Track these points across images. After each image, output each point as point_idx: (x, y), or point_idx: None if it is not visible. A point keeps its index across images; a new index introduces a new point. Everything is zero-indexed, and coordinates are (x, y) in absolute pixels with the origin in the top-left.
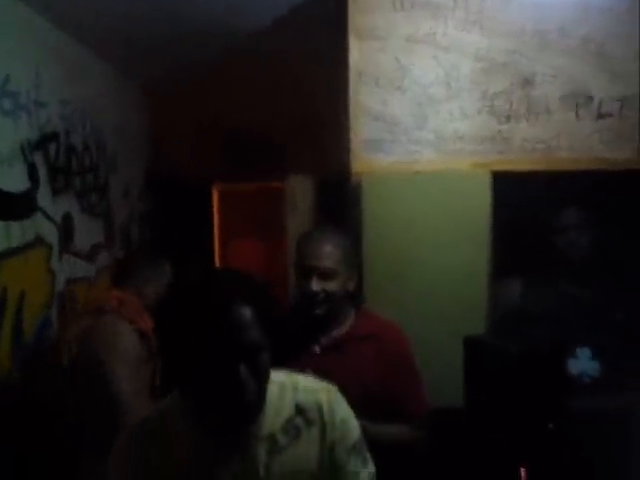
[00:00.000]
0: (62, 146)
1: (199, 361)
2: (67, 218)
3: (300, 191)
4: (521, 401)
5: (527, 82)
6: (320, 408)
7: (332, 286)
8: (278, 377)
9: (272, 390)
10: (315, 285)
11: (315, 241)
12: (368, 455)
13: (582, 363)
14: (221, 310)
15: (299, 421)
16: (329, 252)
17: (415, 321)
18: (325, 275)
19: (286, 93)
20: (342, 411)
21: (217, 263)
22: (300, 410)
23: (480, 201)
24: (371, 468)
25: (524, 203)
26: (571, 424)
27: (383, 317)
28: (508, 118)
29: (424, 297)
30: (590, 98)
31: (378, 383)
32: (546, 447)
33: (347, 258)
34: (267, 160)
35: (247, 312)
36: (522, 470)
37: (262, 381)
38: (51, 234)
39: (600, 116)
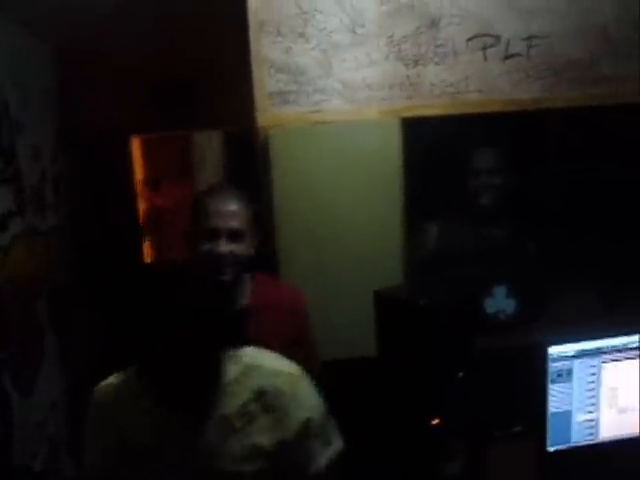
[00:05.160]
0: None
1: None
2: None
3: (208, 147)
4: (431, 352)
5: (433, 24)
6: (281, 395)
7: (241, 249)
8: (244, 356)
9: (234, 371)
10: (223, 247)
11: (221, 200)
12: (332, 433)
13: (498, 301)
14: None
15: (255, 407)
16: (237, 211)
17: (330, 276)
18: (234, 236)
19: (187, 45)
20: (304, 398)
21: (139, 213)
22: (260, 394)
23: (390, 149)
24: (335, 447)
25: (435, 149)
26: (482, 367)
27: (283, 283)
28: (415, 63)
29: (338, 251)
30: (497, 38)
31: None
32: (456, 396)
33: (253, 218)
34: (183, 108)
35: None
36: (433, 421)
37: None
38: None
39: (508, 56)
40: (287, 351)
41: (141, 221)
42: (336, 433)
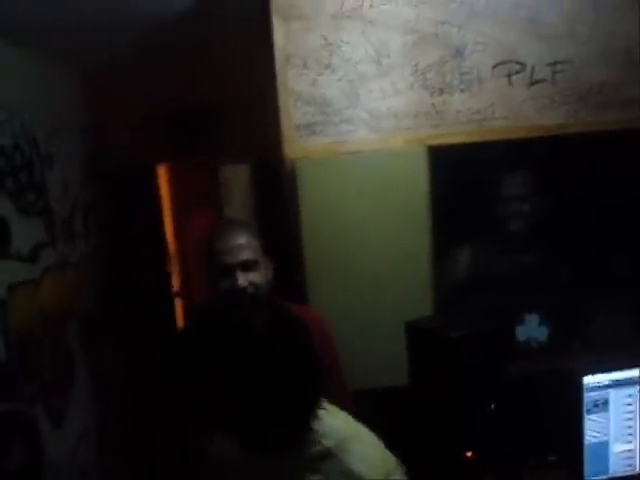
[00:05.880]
0: None
1: None
2: (0, 221)
3: (235, 181)
4: (462, 384)
5: (458, 52)
6: None
7: (256, 278)
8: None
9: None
10: (241, 279)
11: (229, 236)
12: None
13: (530, 329)
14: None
15: None
16: (247, 243)
17: (358, 306)
18: (247, 267)
19: (214, 78)
20: None
21: (169, 240)
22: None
23: (417, 177)
24: None
25: (462, 176)
26: (515, 396)
27: (307, 308)
28: (441, 91)
29: (365, 281)
30: (522, 65)
31: None
32: (489, 428)
33: (262, 246)
34: (209, 141)
35: None
36: (467, 454)
37: None
38: None
39: (533, 83)
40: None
41: (170, 251)
42: None
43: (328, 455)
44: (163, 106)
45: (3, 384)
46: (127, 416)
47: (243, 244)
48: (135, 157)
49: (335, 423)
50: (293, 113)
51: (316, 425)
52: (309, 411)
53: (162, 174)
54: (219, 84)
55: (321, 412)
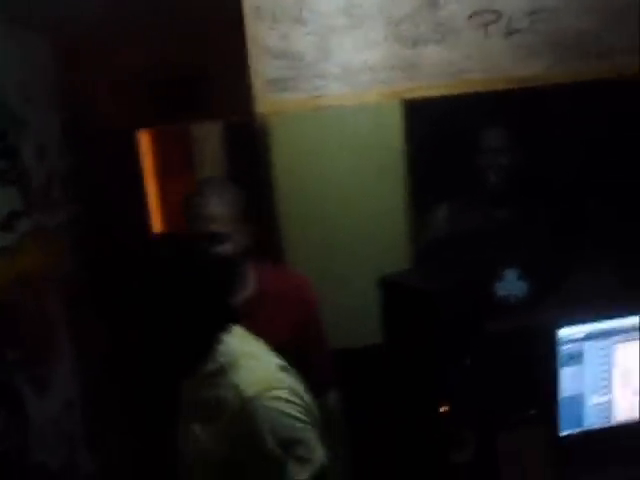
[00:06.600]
0: None
1: None
2: None
3: (206, 139)
4: (437, 339)
5: (432, 2)
6: (240, 410)
7: (226, 249)
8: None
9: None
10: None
11: (202, 202)
12: (308, 450)
13: (509, 284)
14: None
15: (215, 409)
16: (218, 214)
17: (334, 263)
18: (216, 239)
19: (192, 39)
20: (265, 419)
21: (151, 206)
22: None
23: (392, 132)
24: (315, 464)
25: (439, 130)
26: (492, 351)
27: (290, 271)
28: (415, 43)
29: (341, 238)
30: (499, 14)
31: (287, 347)
32: (463, 382)
33: (238, 213)
34: (190, 104)
35: None
36: (442, 408)
37: None
38: None
39: (510, 32)
40: (293, 342)
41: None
42: (316, 447)
43: (221, 370)
44: (142, 70)
45: None
46: (113, 383)
47: (214, 215)
48: (114, 123)
49: (233, 342)
50: (264, 68)
51: (218, 345)
52: (206, 334)
53: (143, 140)
54: (197, 45)
55: (228, 335)
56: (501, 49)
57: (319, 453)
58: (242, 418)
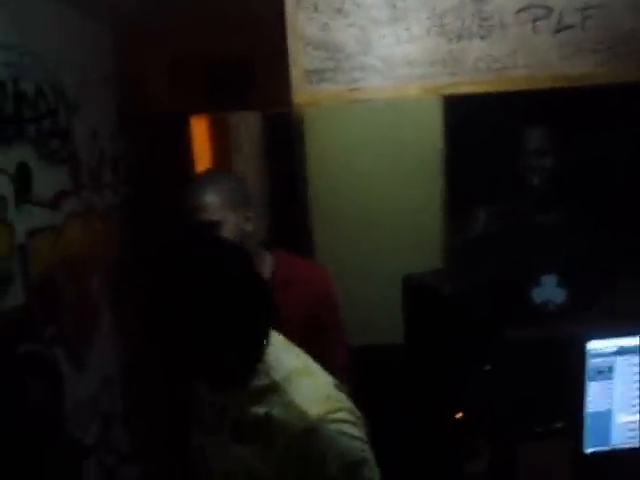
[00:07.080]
0: (9, 95)
1: None
2: (22, 167)
3: (244, 129)
4: (455, 343)
5: None
6: (302, 432)
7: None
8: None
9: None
10: None
11: (194, 195)
12: (370, 469)
13: (547, 291)
14: None
15: (265, 427)
16: (210, 202)
17: (366, 258)
18: (210, 227)
19: (243, 28)
20: (330, 446)
21: None
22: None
23: (431, 128)
24: None
25: (480, 128)
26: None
27: (309, 261)
28: (459, 37)
29: (374, 233)
30: (549, 10)
31: (303, 331)
32: (480, 390)
33: (234, 201)
34: (237, 88)
35: None
36: (459, 415)
37: None
38: (3, 185)
39: (560, 29)
40: (309, 334)
41: None
42: (374, 465)
43: (274, 387)
44: (197, 57)
45: (22, 326)
46: (152, 364)
47: (207, 204)
48: (168, 108)
49: (285, 357)
50: (303, 58)
51: (265, 358)
52: (256, 341)
53: (196, 125)
54: (242, 34)
55: (272, 346)
56: (548, 46)
57: (377, 470)
58: (304, 441)
